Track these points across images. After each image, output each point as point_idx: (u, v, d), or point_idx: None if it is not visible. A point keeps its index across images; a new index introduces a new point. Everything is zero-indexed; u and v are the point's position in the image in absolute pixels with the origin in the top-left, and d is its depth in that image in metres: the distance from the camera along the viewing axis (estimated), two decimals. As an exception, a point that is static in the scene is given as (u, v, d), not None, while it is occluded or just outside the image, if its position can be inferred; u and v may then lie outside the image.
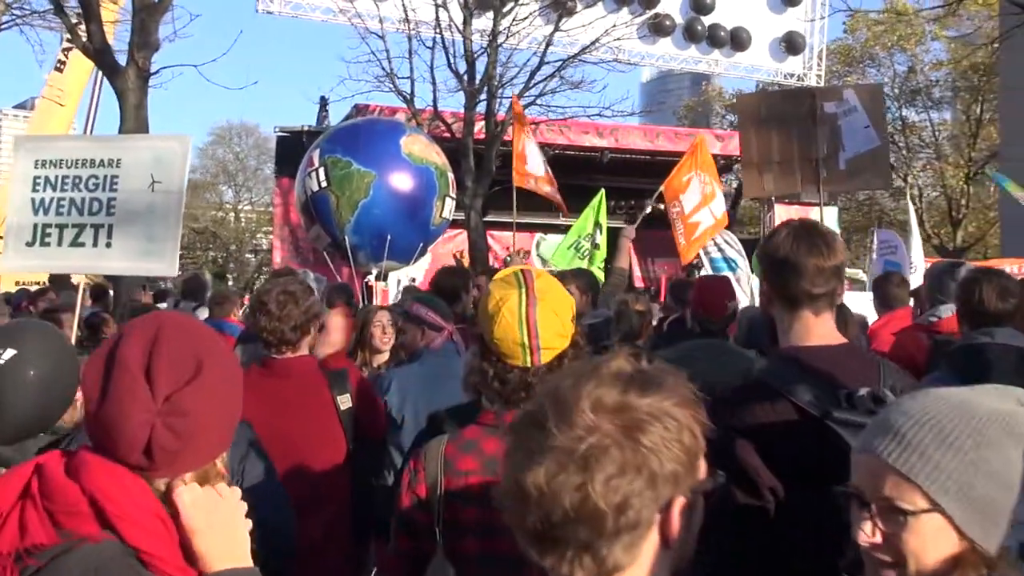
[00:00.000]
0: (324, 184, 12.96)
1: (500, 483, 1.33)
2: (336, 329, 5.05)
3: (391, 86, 17.45)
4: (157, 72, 12.03)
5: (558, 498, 1.22)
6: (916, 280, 9.32)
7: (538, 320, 2.38)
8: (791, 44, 22.17)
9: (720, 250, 10.86)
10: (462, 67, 17.16)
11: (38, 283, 13.23)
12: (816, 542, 2.26)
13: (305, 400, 3.93)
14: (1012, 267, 14.03)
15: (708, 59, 22.20)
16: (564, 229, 13.64)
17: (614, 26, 18.34)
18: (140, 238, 5.89)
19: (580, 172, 18.52)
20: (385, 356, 5.71)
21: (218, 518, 1.66)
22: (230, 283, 46.06)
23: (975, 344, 3.57)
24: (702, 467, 1.32)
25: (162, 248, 5.87)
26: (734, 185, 22.68)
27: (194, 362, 1.65)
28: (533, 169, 11.76)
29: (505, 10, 16.93)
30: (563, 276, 5.05)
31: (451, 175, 13.99)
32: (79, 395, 2.53)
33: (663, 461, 1.25)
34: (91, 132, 19.08)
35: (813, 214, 19.11)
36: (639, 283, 19.59)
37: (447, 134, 17.06)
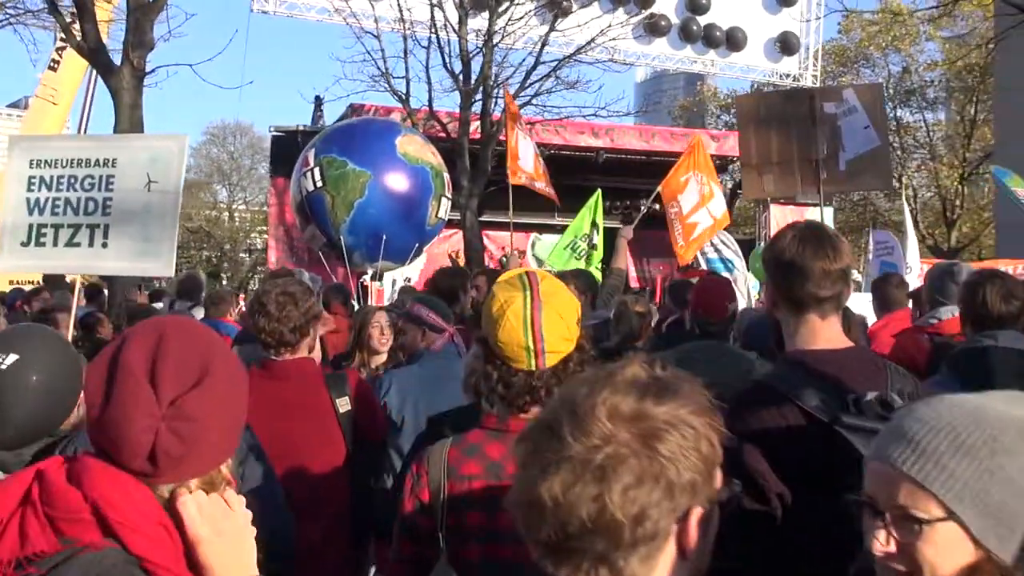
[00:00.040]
0: (319, 184, 12.96)
1: (512, 492, 1.30)
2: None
3: (386, 86, 17.45)
4: (152, 71, 12.01)
5: (574, 509, 1.20)
6: (911, 281, 9.32)
7: (543, 323, 2.35)
8: (786, 44, 22.21)
9: (717, 251, 10.88)
10: (457, 67, 17.14)
11: (32, 282, 13.18)
12: (823, 547, 2.25)
13: (304, 402, 3.90)
14: (1007, 268, 14.03)
15: (704, 59, 22.23)
16: (560, 229, 13.64)
17: (610, 26, 18.31)
18: (136, 238, 5.86)
19: (576, 172, 18.53)
20: (383, 357, 5.68)
21: (224, 527, 1.63)
22: (224, 283, 46.04)
23: (978, 347, 3.56)
24: (718, 476, 1.30)
25: (158, 248, 5.84)
26: (729, 186, 22.70)
27: (200, 366, 1.62)
28: (525, 164, 11.75)
29: (501, 10, 16.92)
30: (562, 277, 5.01)
31: (446, 175, 13.99)
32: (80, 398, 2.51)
33: (681, 470, 1.22)
34: (85, 131, 19.04)
35: (808, 214, 19.17)
36: (635, 283, 19.59)
37: (442, 134, 17.06)
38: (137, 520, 1.54)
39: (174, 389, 1.58)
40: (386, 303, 10.57)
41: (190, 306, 9.03)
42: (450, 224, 15.46)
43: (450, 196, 14.21)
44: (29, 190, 5.93)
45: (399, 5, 16.51)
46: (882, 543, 1.51)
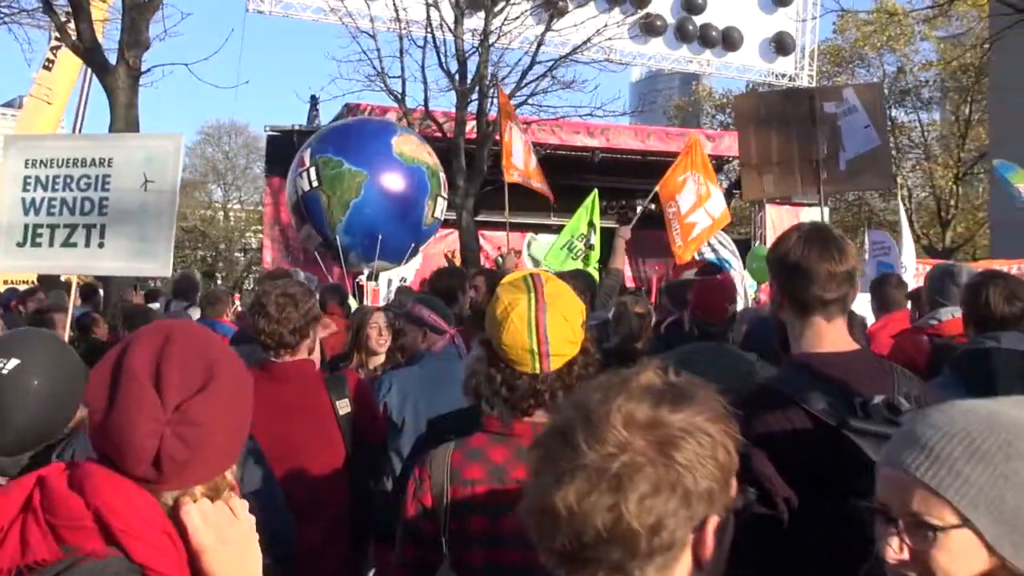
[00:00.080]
0: (315, 184, 12.93)
1: (525, 500, 1.28)
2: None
3: (382, 85, 17.43)
4: (148, 71, 12.01)
5: (590, 518, 1.18)
6: (907, 281, 9.30)
7: (548, 326, 2.32)
8: (781, 44, 22.25)
9: (714, 251, 10.86)
10: (453, 67, 17.15)
11: (26, 282, 13.13)
12: (831, 551, 2.23)
13: (304, 404, 3.88)
14: (1002, 268, 14.03)
15: (699, 59, 22.25)
16: (556, 229, 13.61)
17: (605, 26, 18.31)
18: (133, 238, 5.84)
19: (571, 172, 18.49)
20: (381, 358, 5.65)
21: (229, 535, 1.60)
22: (219, 282, 45.99)
23: (981, 349, 3.55)
24: (734, 484, 1.28)
25: (155, 248, 5.82)
26: (724, 185, 22.69)
27: (205, 370, 1.59)
28: (518, 162, 11.73)
29: (496, 9, 16.91)
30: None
31: (442, 175, 13.96)
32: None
33: (697, 479, 1.21)
34: (80, 131, 18.97)
35: (804, 214, 19.18)
36: (630, 283, 19.57)
37: (438, 134, 17.03)
38: (140, 528, 1.51)
39: (179, 394, 1.56)
40: (382, 303, 10.54)
41: (186, 306, 9.01)
42: (446, 224, 15.44)
43: (446, 196, 14.19)
44: (25, 190, 5.90)
45: (395, 5, 16.51)
46: (895, 550, 1.49)
